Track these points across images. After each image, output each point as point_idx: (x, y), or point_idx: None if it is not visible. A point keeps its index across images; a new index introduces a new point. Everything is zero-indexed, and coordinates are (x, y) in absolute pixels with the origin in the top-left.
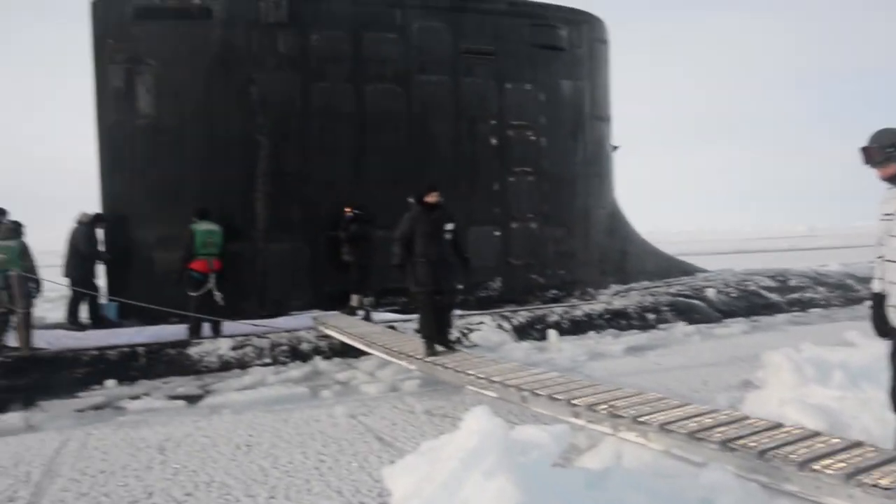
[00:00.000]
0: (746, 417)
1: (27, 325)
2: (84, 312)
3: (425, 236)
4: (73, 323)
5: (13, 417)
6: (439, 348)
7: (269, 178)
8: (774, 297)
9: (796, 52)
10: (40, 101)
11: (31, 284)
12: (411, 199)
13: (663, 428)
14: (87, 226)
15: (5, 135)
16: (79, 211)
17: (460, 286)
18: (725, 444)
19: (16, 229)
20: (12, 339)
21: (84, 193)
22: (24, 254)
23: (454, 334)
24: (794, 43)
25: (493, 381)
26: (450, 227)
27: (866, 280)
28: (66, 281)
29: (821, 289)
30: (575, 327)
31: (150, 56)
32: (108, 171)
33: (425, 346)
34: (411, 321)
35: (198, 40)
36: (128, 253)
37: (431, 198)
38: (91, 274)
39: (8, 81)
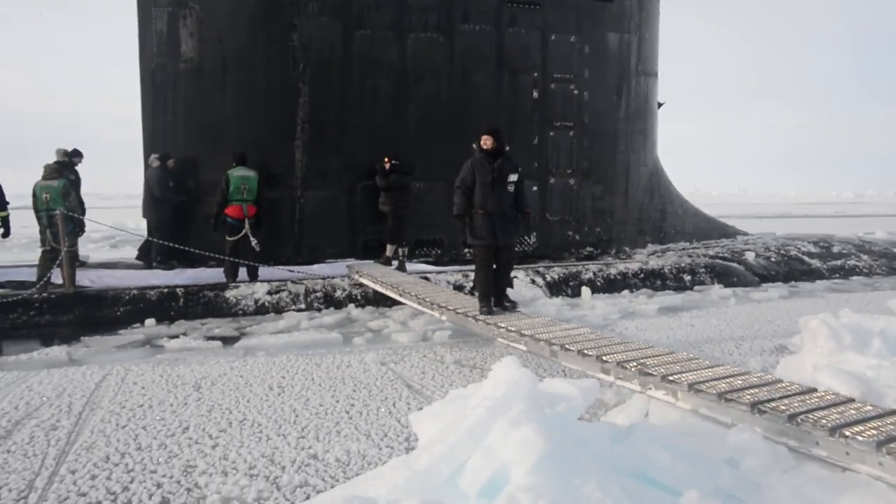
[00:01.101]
0: (779, 381)
1: (71, 263)
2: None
3: (485, 185)
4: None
5: (57, 351)
6: (495, 308)
7: (309, 126)
8: (816, 262)
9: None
10: (89, 45)
11: (74, 224)
12: (475, 145)
13: (693, 387)
14: (158, 169)
15: (57, 77)
16: (151, 154)
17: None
18: (755, 406)
19: (58, 169)
20: (57, 277)
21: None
22: (67, 193)
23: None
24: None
25: (524, 335)
26: (513, 178)
27: None
28: (111, 221)
29: (864, 256)
30: (609, 285)
31: (193, 0)
32: (149, 115)
33: (480, 303)
34: (445, 272)
35: None
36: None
37: (485, 142)
38: (167, 216)
39: (58, 25)
